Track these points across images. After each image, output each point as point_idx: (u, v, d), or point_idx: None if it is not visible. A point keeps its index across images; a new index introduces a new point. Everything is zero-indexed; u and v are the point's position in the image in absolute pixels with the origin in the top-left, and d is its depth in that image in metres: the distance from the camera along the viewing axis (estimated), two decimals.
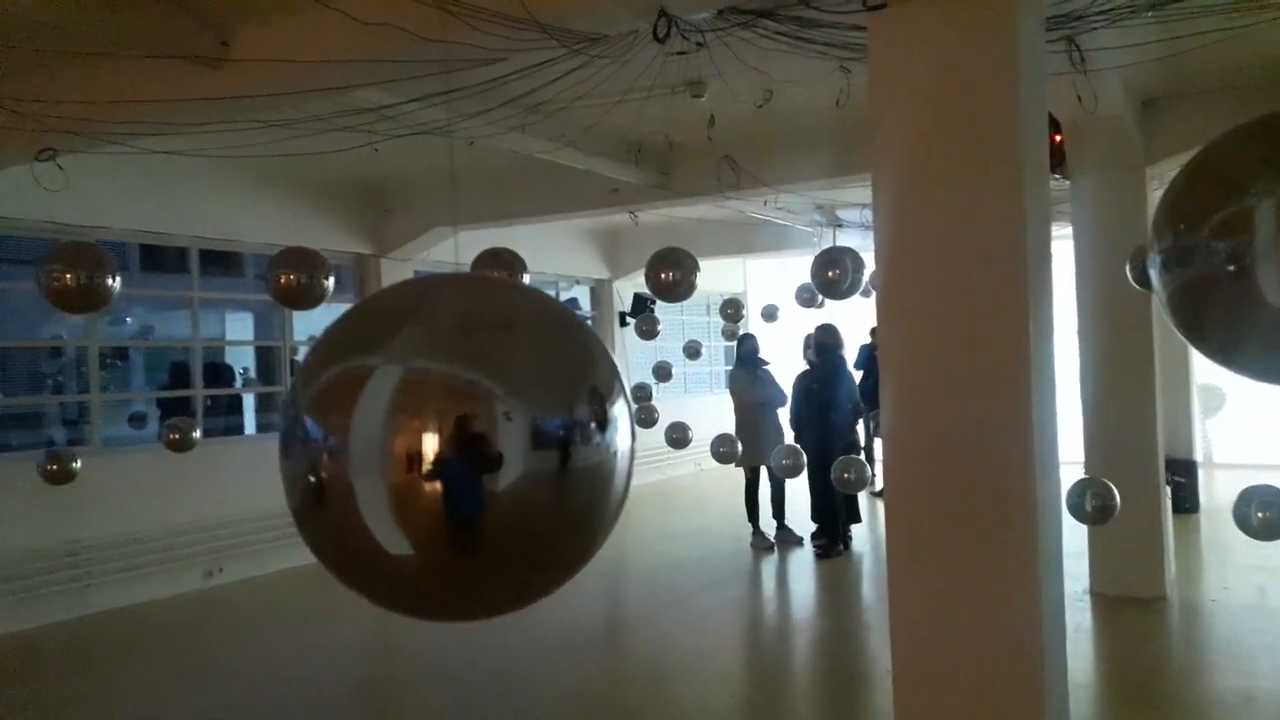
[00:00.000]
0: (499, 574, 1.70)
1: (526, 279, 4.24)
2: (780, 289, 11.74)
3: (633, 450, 1.79)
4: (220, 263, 9.07)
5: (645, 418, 7.92)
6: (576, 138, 7.42)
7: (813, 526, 8.58)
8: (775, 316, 12.02)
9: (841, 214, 11.42)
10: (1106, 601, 6.51)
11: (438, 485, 1.56)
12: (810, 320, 9.13)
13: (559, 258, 12.23)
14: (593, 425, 1.68)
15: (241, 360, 9.97)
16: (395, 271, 9.70)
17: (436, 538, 1.63)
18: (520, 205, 9.31)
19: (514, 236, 8.23)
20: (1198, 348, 3.36)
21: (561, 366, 1.75)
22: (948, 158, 3.27)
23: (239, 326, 10.02)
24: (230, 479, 7.92)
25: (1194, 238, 3.06)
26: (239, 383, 9.83)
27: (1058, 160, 6.77)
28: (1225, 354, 3.34)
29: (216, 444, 8.23)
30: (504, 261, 4.13)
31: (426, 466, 1.54)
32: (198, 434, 6.12)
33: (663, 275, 4.30)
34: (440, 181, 8.85)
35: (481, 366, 1.65)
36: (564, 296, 12.64)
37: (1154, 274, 3.20)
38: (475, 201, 9.18)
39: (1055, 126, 6.37)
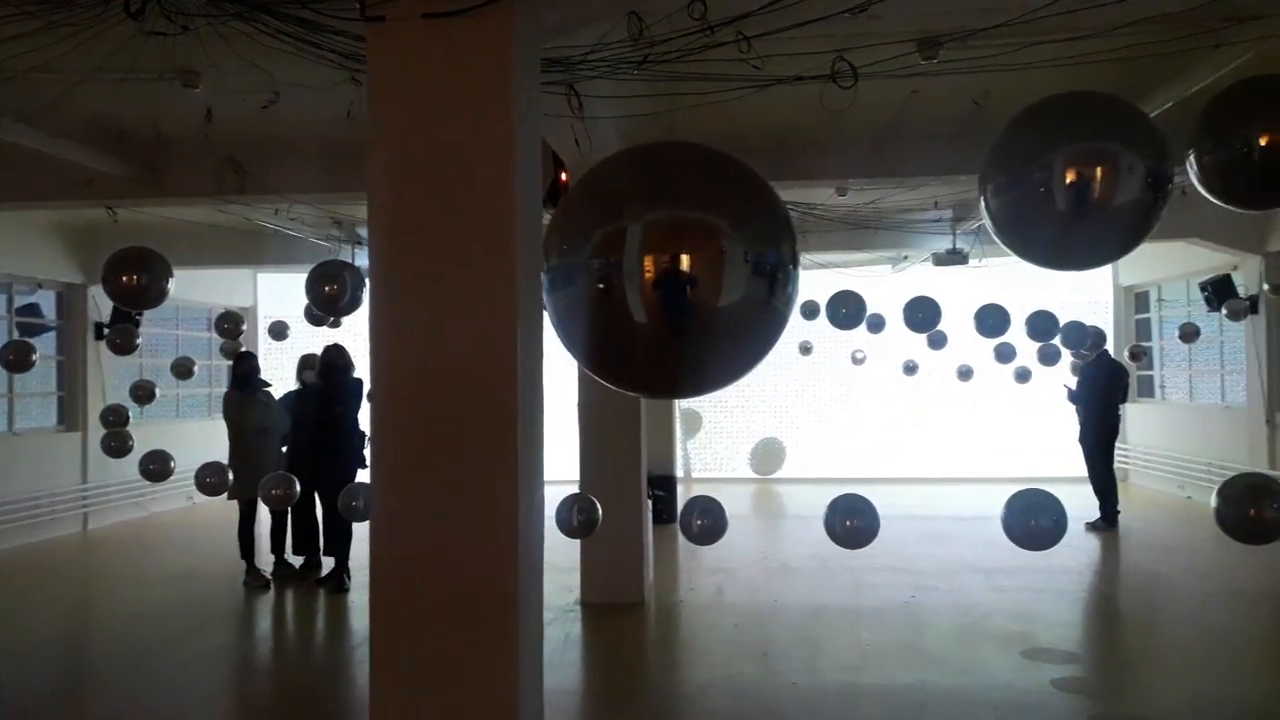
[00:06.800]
0: None
1: None
2: (296, 306, 11.07)
3: None
4: None
5: (116, 445, 6.88)
6: (35, 114, 6.28)
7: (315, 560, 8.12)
8: (285, 334, 11.33)
9: (363, 231, 11.09)
10: (595, 610, 6.99)
11: None
12: (322, 340, 8.71)
13: (16, 255, 10.29)
14: None
15: None
16: None
17: None
18: None
19: None
20: (583, 364, 3.67)
21: None
22: (441, 181, 3.22)
23: None
24: None
25: (575, 258, 3.35)
26: None
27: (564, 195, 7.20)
28: (593, 364, 3.70)
29: None
30: None
31: None
32: None
33: (124, 279, 3.70)
34: None
35: None
36: (21, 302, 10.62)
37: (545, 294, 3.43)
38: None
39: (561, 165, 6.77)
